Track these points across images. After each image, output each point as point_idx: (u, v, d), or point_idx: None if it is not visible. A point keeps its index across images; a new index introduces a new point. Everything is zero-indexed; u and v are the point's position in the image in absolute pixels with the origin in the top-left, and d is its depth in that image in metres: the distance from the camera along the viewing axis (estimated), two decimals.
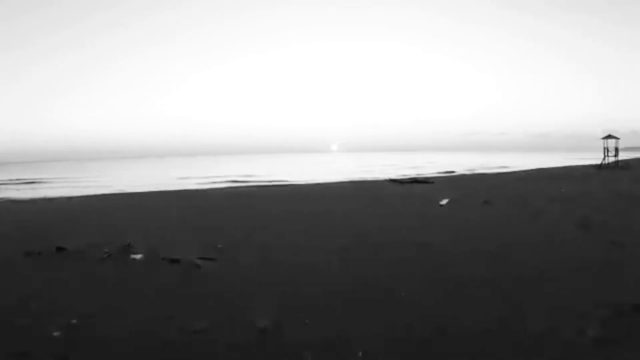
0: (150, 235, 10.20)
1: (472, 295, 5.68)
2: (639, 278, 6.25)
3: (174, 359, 4.27)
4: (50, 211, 16.82)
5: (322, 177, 42.73)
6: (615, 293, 5.54)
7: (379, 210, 14.24)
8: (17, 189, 35.81)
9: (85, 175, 57.32)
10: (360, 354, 4.19)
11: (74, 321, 5.11)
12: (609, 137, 43.35)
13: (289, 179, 39.17)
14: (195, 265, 7.33)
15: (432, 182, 24.39)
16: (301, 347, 4.31)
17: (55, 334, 4.80)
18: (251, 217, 13.42)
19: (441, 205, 14.33)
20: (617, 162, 41.35)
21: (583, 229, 9.71)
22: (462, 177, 33.67)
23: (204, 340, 4.57)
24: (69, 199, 22.32)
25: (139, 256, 8.14)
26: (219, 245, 8.89)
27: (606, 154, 43.17)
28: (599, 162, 42.71)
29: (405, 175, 40.24)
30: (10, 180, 47.97)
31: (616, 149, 41.84)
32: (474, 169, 51.67)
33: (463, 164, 70.25)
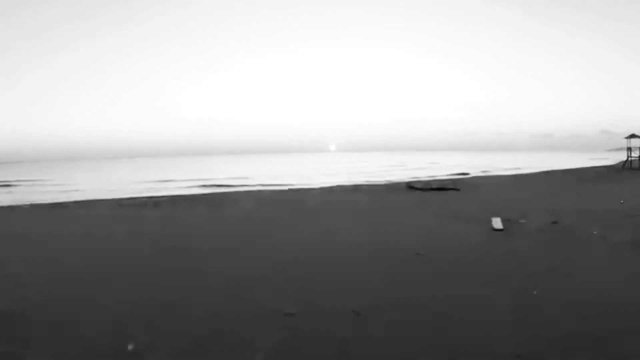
0: None
1: None
2: None
3: None
4: None
5: (324, 179, 38.81)
6: None
7: (407, 238, 9.41)
8: None
9: (53, 178, 52.67)
10: None
11: None
12: (633, 136, 40.68)
13: (290, 182, 35.23)
14: None
15: (458, 190, 20.31)
16: None
17: None
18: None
19: (497, 230, 10.00)
20: None
21: None
22: (485, 181, 28.99)
23: None
24: None
25: None
26: None
27: (629, 154, 40.57)
28: (610, 162, 39.68)
29: (416, 178, 36.32)
30: None
31: None
32: (488, 171, 47.58)
33: (471, 164, 66.45)
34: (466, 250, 8.16)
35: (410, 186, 21.53)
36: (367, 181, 34.25)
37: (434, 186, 20.97)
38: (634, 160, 40.65)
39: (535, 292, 5.64)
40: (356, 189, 25.39)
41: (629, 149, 40.94)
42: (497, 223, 10.58)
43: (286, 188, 28.26)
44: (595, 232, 9.60)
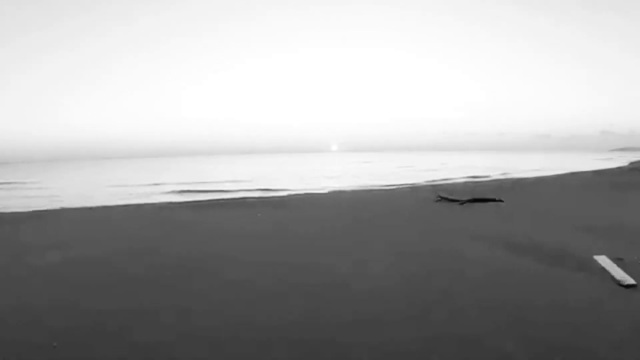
0: None
1: None
2: None
3: None
4: None
5: (330, 183, 34.49)
6: None
7: (477, 297, 5.38)
8: None
9: (34, 180, 48.53)
10: None
11: None
12: None
13: (290, 187, 30.92)
14: None
15: (502, 201, 15.99)
16: None
17: None
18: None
19: (627, 286, 5.62)
20: None
21: None
22: (522, 186, 24.21)
23: None
24: None
25: None
26: None
27: None
28: (619, 163, 35.87)
29: (433, 182, 31.92)
30: None
31: None
32: (508, 173, 43.23)
33: (483, 165, 62.33)
34: (592, 331, 3.80)
35: (441, 197, 17.10)
36: (381, 185, 29.94)
37: (472, 197, 16.57)
38: None
39: None
40: (373, 194, 21.12)
41: None
42: (618, 272, 6.21)
43: (285, 193, 24.06)
44: None
